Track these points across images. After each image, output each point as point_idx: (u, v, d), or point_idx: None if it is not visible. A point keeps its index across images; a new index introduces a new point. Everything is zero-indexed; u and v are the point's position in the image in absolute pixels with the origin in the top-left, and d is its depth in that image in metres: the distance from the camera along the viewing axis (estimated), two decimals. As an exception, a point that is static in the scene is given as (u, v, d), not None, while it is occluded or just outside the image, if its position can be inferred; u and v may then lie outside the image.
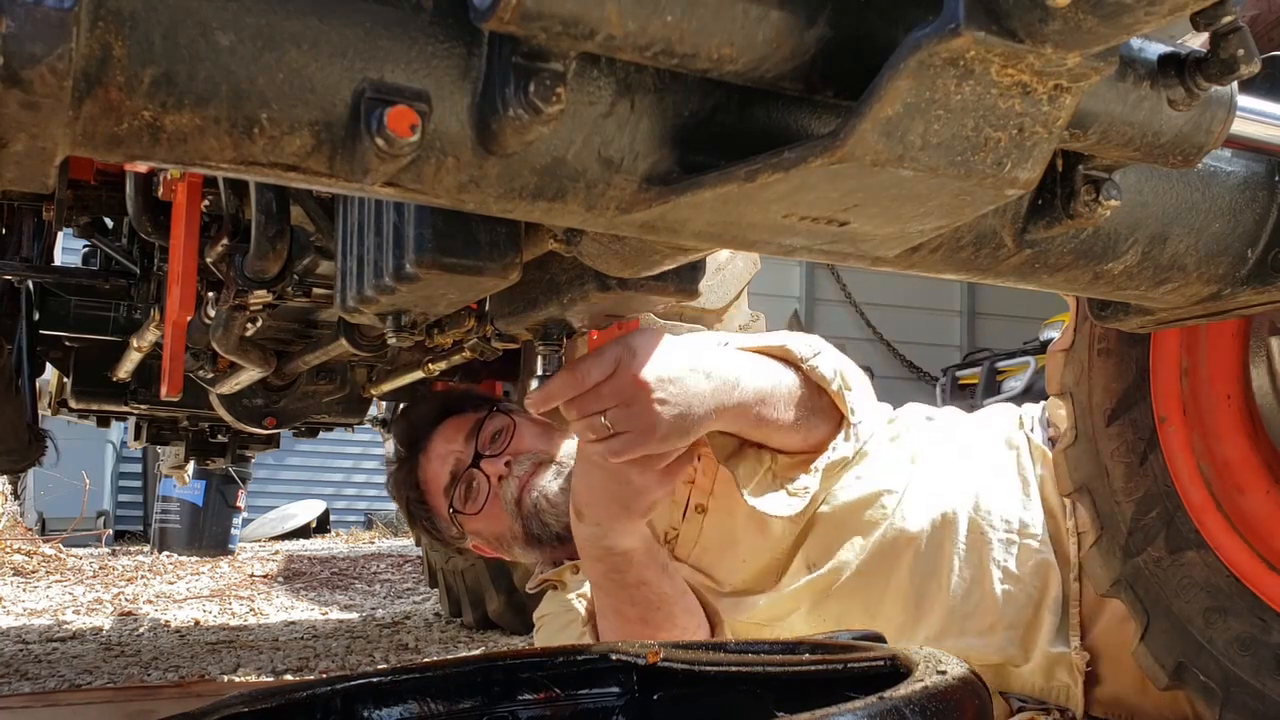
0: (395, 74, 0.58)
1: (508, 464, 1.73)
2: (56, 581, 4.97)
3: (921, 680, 0.74)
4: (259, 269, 1.43)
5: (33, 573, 5.24)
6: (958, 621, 1.53)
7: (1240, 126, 0.77)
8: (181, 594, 4.61)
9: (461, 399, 1.91)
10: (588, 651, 1.08)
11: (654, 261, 0.88)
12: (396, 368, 2.31)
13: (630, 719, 1.05)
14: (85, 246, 2.68)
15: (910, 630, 1.56)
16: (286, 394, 2.28)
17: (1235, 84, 0.72)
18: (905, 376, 10.51)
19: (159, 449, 3.57)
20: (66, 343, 2.64)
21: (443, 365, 2.04)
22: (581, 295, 0.99)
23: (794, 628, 1.62)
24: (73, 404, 2.78)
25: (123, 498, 8.71)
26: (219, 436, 3.09)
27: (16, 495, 7.12)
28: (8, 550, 5.65)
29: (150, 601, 4.34)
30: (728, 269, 2.55)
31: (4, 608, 4.04)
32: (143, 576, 5.27)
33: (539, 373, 1.21)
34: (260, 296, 1.50)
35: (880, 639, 0.99)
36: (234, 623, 3.80)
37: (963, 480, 1.62)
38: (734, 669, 0.98)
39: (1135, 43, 0.68)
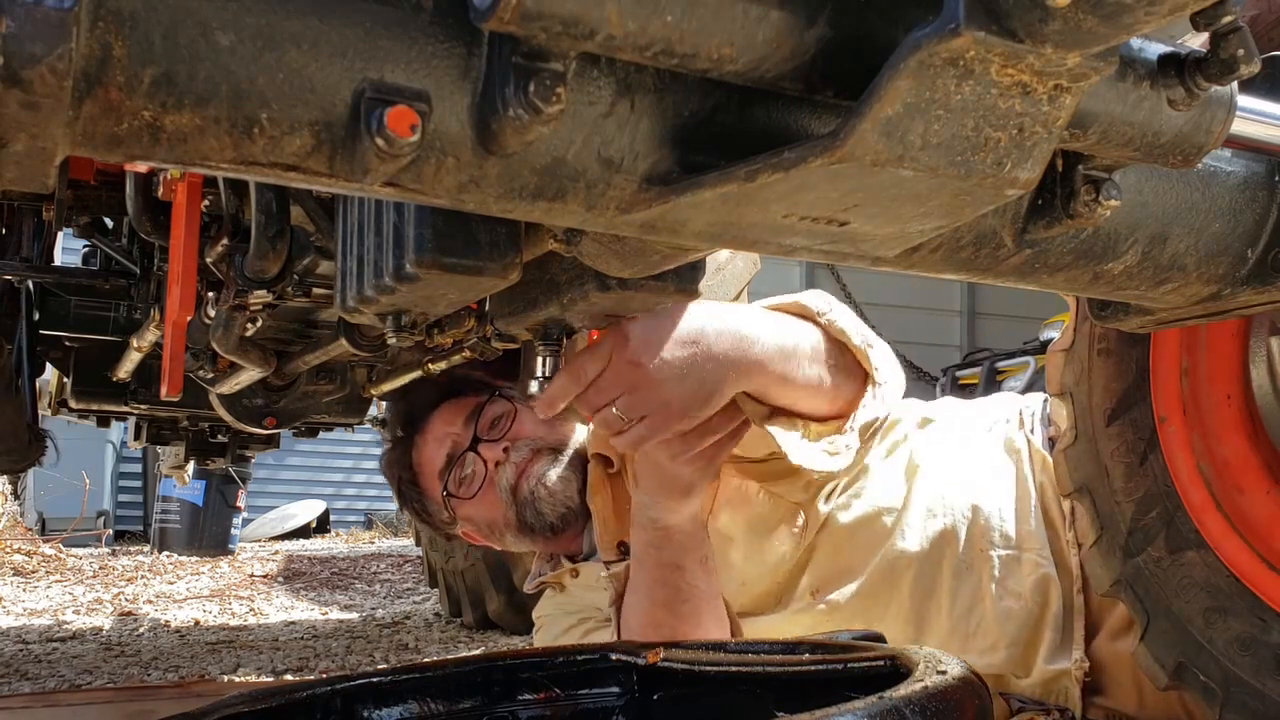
0: (395, 74, 0.58)
1: (506, 450, 1.71)
2: (56, 581, 4.97)
3: (921, 680, 0.74)
4: (259, 269, 1.43)
5: (33, 573, 5.24)
6: (959, 641, 1.53)
7: (1240, 126, 0.77)
8: (181, 594, 4.61)
9: (462, 383, 1.88)
10: (588, 651, 1.08)
11: (654, 261, 0.88)
12: (396, 368, 2.31)
13: (630, 719, 1.05)
14: (85, 246, 2.68)
15: None
16: (286, 394, 2.28)
17: (1235, 84, 0.72)
18: (905, 376, 10.49)
19: (159, 449, 3.56)
20: (66, 343, 2.64)
21: (443, 365, 2.03)
22: (581, 295, 0.99)
23: None
24: (73, 404, 2.78)
25: (123, 498, 8.71)
26: (219, 436, 3.09)
27: (16, 495, 7.12)
28: (8, 550, 5.65)
29: (150, 601, 4.34)
30: (728, 269, 2.55)
31: (4, 608, 4.04)
32: (143, 576, 5.27)
33: (537, 374, 1.21)
34: (260, 296, 1.50)
35: (880, 639, 0.99)
36: (234, 623, 3.80)
37: (961, 491, 1.61)
38: (734, 669, 0.98)
39: (1135, 43, 0.68)
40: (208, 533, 6.82)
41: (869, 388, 1.43)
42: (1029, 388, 6.42)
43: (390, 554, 6.57)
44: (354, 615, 4.00)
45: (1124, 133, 0.70)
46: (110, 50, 0.51)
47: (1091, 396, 1.33)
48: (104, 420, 3.06)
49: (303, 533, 8.66)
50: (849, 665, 0.90)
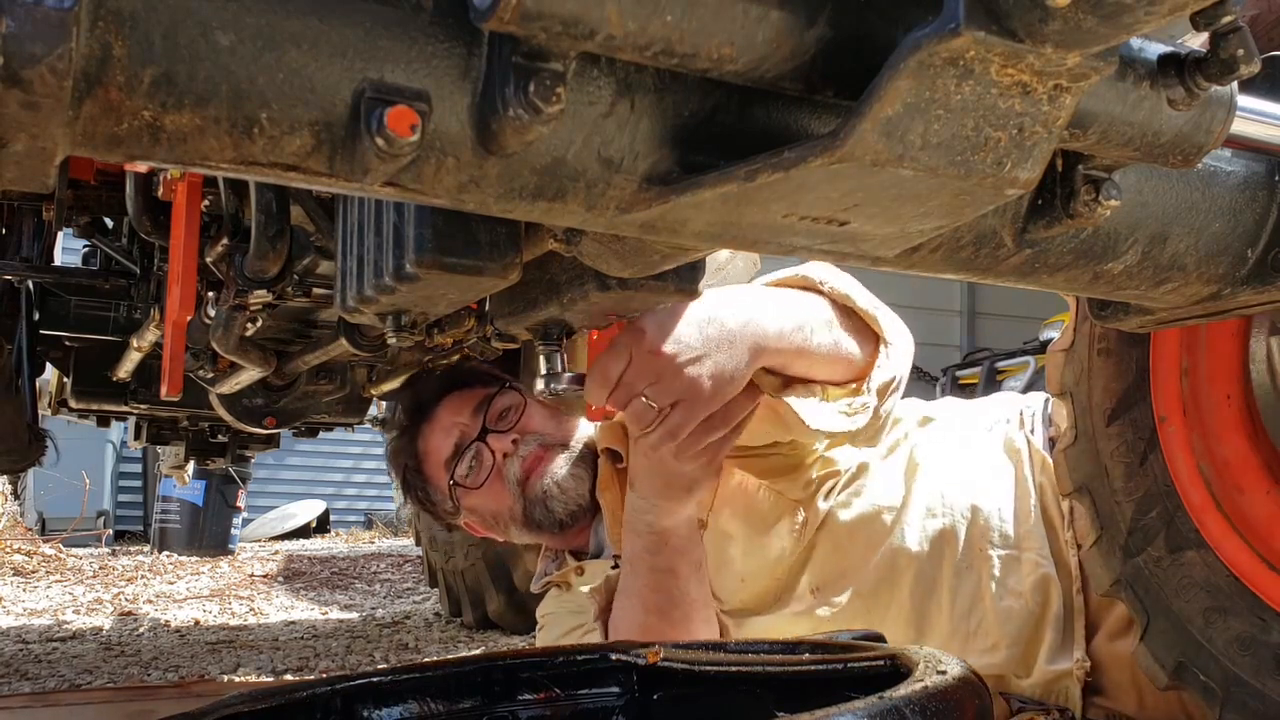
0: (395, 74, 0.58)
1: (514, 442, 1.71)
2: (56, 581, 4.97)
3: (921, 680, 0.74)
4: (259, 269, 1.43)
5: (33, 573, 5.24)
6: (960, 641, 1.53)
7: (1240, 126, 0.77)
8: (181, 594, 4.61)
9: (470, 374, 1.87)
10: (588, 651, 1.08)
11: (654, 261, 0.88)
12: (396, 368, 2.31)
13: (630, 719, 1.05)
14: (85, 246, 2.68)
15: None
16: (286, 394, 2.28)
17: (1235, 84, 0.72)
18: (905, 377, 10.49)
19: (159, 449, 3.57)
20: (66, 343, 2.64)
21: (443, 365, 2.04)
22: (581, 295, 0.99)
23: None
24: (73, 404, 2.78)
25: (123, 498, 8.71)
26: (219, 436, 3.09)
27: (16, 495, 7.12)
28: (8, 550, 5.65)
29: (150, 601, 4.34)
30: (728, 269, 2.55)
31: (4, 608, 4.04)
32: (143, 576, 5.27)
33: (543, 371, 1.21)
34: (260, 296, 1.50)
35: (880, 639, 0.99)
36: (234, 623, 3.80)
37: (961, 491, 1.61)
38: (734, 669, 0.98)
39: (1135, 43, 0.68)
40: (208, 533, 6.82)
41: (881, 348, 1.43)
42: (1029, 388, 6.42)
43: (390, 554, 6.57)
44: (354, 615, 4.00)
45: (1124, 133, 0.70)
46: (110, 50, 0.51)
47: (1091, 396, 1.33)
48: (104, 420, 3.06)
49: (303, 533, 8.67)
50: (849, 665, 0.90)
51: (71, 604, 4.17)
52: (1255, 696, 1.15)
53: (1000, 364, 7.35)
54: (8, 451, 2.81)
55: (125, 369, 2.46)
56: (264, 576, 5.43)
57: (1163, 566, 1.25)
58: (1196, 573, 1.22)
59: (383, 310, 1.03)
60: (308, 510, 8.87)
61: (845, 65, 0.61)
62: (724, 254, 2.48)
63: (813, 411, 1.37)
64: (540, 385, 1.20)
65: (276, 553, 6.94)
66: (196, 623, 3.74)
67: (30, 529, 6.85)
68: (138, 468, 8.75)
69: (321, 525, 9.05)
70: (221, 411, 2.26)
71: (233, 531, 7.02)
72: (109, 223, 2.46)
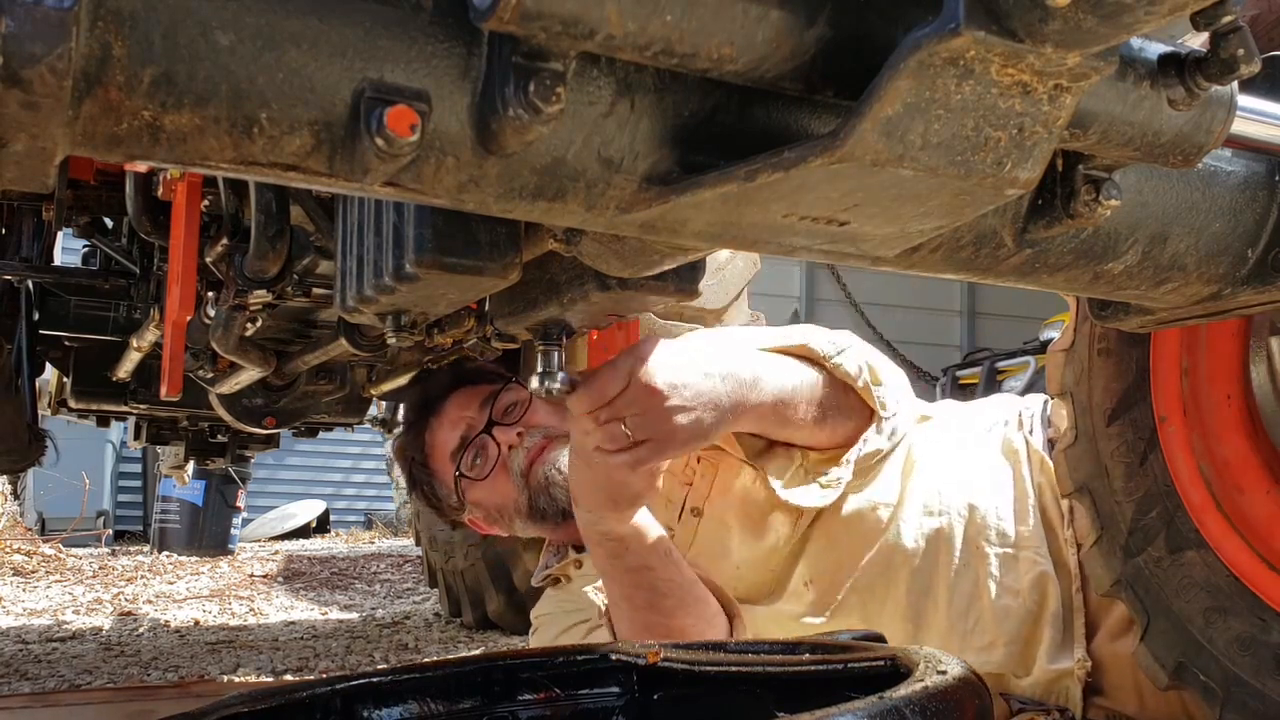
0: (395, 74, 0.58)
1: (519, 435, 1.72)
2: (56, 581, 4.97)
3: (922, 680, 0.74)
4: (259, 269, 1.43)
5: (33, 573, 5.24)
6: (957, 639, 1.53)
7: (1240, 126, 0.77)
8: (181, 594, 4.61)
9: (478, 372, 1.89)
10: (588, 651, 1.08)
11: (654, 261, 0.88)
12: (396, 368, 2.31)
13: (630, 719, 1.05)
14: (85, 246, 2.68)
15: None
16: (286, 394, 2.28)
17: (1235, 84, 0.72)
18: (905, 376, 10.49)
19: (159, 449, 3.57)
20: (66, 343, 2.64)
21: (443, 365, 2.04)
22: (581, 295, 0.99)
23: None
24: (73, 404, 2.78)
25: (123, 498, 8.71)
26: (219, 436, 3.09)
27: (16, 495, 7.12)
28: (8, 550, 5.65)
29: (150, 601, 4.34)
30: (728, 269, 2.55)
31: (4, 608, 4.04)
32: (142, 576, 5.27)
33: (539, 369, 1.21)
34: (260, 296, 1.50)
35: (880, 639, 0.99)
36: (234, 623, 3.80)
37: (958, 489, 1.61)
38: (734, 669, 0.98)
39: (1135, 42, 0.68)
40: (207, 533, 6.81)
41: (874, 423, 1.50)
42: (1029, 388, 6.42)
43: (390, 554, 6.57)
44: (354, 615, 4.00)
45: (1124, 132, 0.70)
46: (110, 50, 0.51)
47: (1092, 396, 1.33)
48: (104, 420, 3.06)
49: (302, 533, 8.66)
50: (849, 665, 0.90)
51: (71, 604, 4.17)
52: (1255, 696, 1.15)
53: (1000, 364, 7.35)
54: (8, 451, 2.81)
55: (125, 369, 2.47)
56: (264, 577, 5.43)
57: (1163, 567, 1.25)
58: (1197, 573, 1.22)
59: (383, 310, 1.03)
60: (307, 510, 8.87)
61: (845, 65, 0.61)
62: (724, 254, 2.49)
63: (788, 483, 1.45)
64: (535, 383, 1.21)
65: (276, 553, 6.94)
66: (196, 623, 3.74)
67: (30, 529, 6.85)
68: (137, 468, 8.75)
69: (321, 525, 9.04)
70: (221, 411, 2.26)
71: (232, 531, 7.01)
72: (109, 223, 2.46)
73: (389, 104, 0.56)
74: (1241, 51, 0.65)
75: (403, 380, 2.30)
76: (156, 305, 2.03)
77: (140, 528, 8.46)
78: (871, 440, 1.50)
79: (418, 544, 3.87)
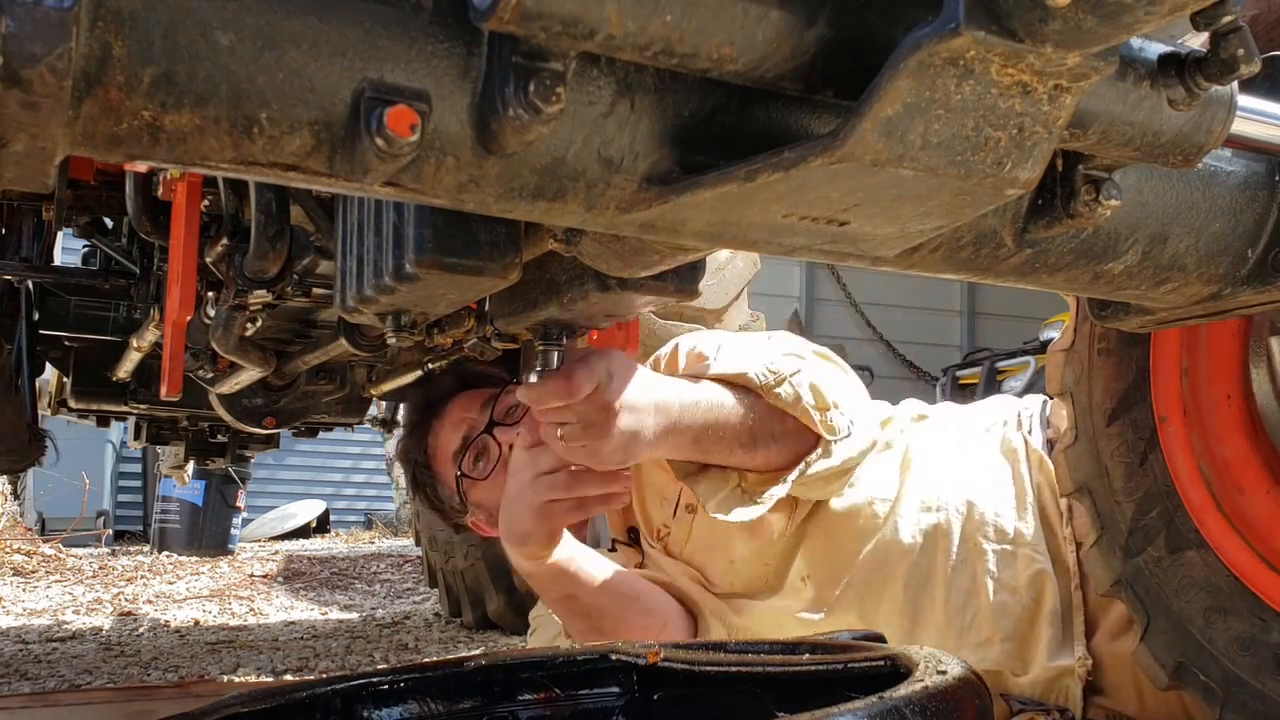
0: (395, 74, 0.58)
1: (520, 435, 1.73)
2: (56, 581, 4.97)
3: (922, 680, 0.74)
4: (259, 269, 1.43)
5: (33, 573, 5.24)
6: (954, 635, 1.53)
7: (1240, 126, 0.77)
8: (181, 594, 4.61)
9: (481, 375, 1.91)
10: (588, 651, 1.08)
11: (654, 261, 0.88)
12: (396, 368, 2.31)
13: (630, 719, 1.05)
14: (85, 246, 2.68)
15: (906, 643, 1.55)
16: (286, 394, 2.27)
17: (1235, 84, 0.72)
18: (905, 376, 10.51)
19: (159, 449, 3.56)
20: (66, 343, 2.64)
21: (442, 365, 2.04)
22: (581, 295, 0.99)
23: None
24: (73, 404, 2.78)
25: (123, 498, 8.70)
26: (219, 436, 3.09)
27: (16, 495, 7.12)
28: (8, 550, 5.65)
29: (150, 601, 4.33)
30: (728, 269, 2.55)
31: (4, 608, 4.04)
32: (142, 576, 5.26)
33: (538, 367, 1.22)
34: (260, 296, 1.50)
35: (880, 639, 0.99)
36: (234, 623, 3.80)
37: (956, 487, 1.61)
38: (734, 669, 0.98)
39: (1135, 42, 0.68)
40: (207, 533, 6.81)
41: (820, 446, 1.48)
42: (1029, 388, 6.42)
43: (390, 554, 6.57)
44: (354, 615, 4.00)
45: (1124, 132, 0.70)
46: (110, 50, 0.51)
47: (1092, 396, 1.33)
48: (104, 420, 3.06)
49: (303, 533, 8.66)
50: (849, 665, 0.90)
51: (71, 604, 4.17)
52: (1255, 696, 1.15)
53: (1000, 364, 7.35)
54: (8, 451, 2.81)
55: (125, 369, 2.46)
56: (264, 577, 5.43)
57: (1163, 566, 1.25)
58: (1197, 573, 1.22)
59: (383, 310, 1.04)
60: (307, 510, 8.87)
61: (845, 65, 0.61)
62: (724, 254, 2.49)
63: (717, 504, 1.47)
64: (533, 379, 1.22)
65: (276, 553, 6.94)
66: (196, 623, 3.74)
67: (30, 529, 6.85)
68: (137, 468, 8.74)
69: (321, 525, 9.04)
70: (221, 411, 2.26)
71: (232, 531, 7.01)
72: (109, 223, 2.46)
73: (389, 104, 0.57)
74: (1241, 51, 0.65)
75: (403, 380, 2.30)
76: (156, 305, 2.03)
77: (140, 528, 8.46)
78: (814, 464, 1.48)
79: (418, 544, 3.87)
